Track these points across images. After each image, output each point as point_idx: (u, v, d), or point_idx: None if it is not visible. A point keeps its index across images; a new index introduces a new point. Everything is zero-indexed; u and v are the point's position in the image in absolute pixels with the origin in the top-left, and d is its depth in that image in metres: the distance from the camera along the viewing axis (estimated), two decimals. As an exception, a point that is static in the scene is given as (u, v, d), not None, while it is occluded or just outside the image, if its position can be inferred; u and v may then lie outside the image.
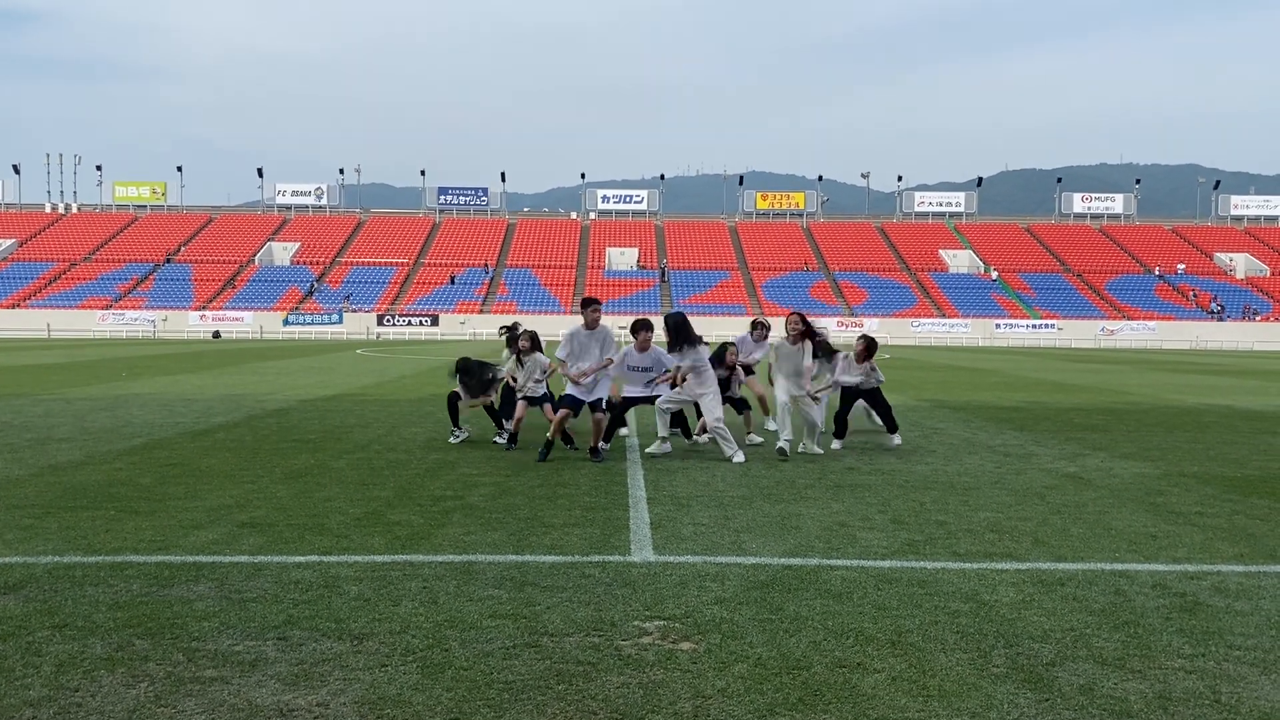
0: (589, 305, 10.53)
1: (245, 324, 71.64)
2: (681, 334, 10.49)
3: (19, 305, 71.93)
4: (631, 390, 10.87)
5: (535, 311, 72.50)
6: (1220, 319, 73.51)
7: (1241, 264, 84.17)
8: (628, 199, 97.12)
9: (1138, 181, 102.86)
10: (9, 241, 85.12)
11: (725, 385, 11.61)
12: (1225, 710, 3.94)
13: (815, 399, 10.87)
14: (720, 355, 11.65)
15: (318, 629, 4.75)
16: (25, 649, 4.44)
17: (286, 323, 71.77)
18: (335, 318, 72.27)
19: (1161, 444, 12.30)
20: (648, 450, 10.84)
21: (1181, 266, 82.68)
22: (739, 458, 10.24)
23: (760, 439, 11.88)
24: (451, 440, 11.49)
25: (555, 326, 69.86)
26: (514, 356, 11.73)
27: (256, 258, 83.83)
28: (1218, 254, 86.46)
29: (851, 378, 11.61)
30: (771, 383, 11.21)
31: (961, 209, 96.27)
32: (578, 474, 9.46)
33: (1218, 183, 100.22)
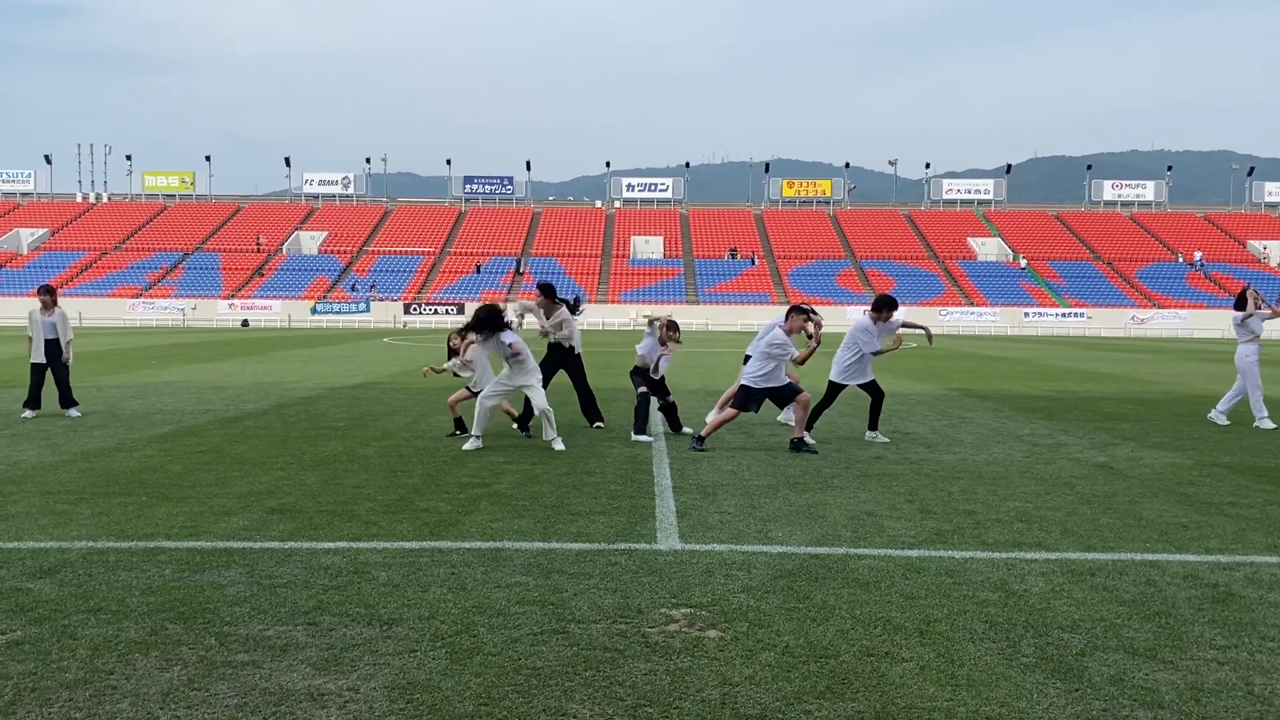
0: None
1: (274, 312, 72.16)
2: (489, 324, 10.15)
3: (51, 294, 72.72)
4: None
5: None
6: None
7: (1275, 251, 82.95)
8: (653, 187, 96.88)
9: (1169, 168, 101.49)
10: (41, 231, 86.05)
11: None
12: (1258, 702, 3.90)
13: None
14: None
15: (347, 614, 4.80)
16: (61, 632, 4.51)
17: (314, 311, 72.21)
18: (363, 306, 72.64)
19: (1193, 433, 12.18)
20: (464, 447, 10.13)
21: (1199, 254, 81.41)
22: (559, 445, 10.17)
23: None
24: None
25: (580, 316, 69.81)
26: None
27: (284, 246, 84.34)
28: (1251, 241, 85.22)
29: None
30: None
31: (990, 196, 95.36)
32: (603, 462, 9.48)
33: (1251, 169, 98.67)
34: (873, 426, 11.27)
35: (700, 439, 10.41)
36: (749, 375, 10.34)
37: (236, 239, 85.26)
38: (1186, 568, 5.85)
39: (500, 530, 6.57)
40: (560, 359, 12.06)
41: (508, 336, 10.27)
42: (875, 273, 79.46)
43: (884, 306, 11.29)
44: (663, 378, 11.71)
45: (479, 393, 11.04)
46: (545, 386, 11.05)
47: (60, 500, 7.41)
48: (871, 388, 11.20)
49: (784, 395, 10.37)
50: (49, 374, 13.04)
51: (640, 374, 11.57)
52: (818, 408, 11.27)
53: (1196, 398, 17.27)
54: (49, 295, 13.17)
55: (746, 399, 10.32)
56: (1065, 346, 43.43)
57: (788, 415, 11.79)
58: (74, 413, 12.79)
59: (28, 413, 12.69)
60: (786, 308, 11.49)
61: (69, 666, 4.11)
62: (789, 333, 10.54)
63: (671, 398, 11.83)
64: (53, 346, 13.09)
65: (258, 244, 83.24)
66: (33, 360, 13.00)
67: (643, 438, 11.06)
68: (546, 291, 11.98)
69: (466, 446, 10.17)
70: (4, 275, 75.64)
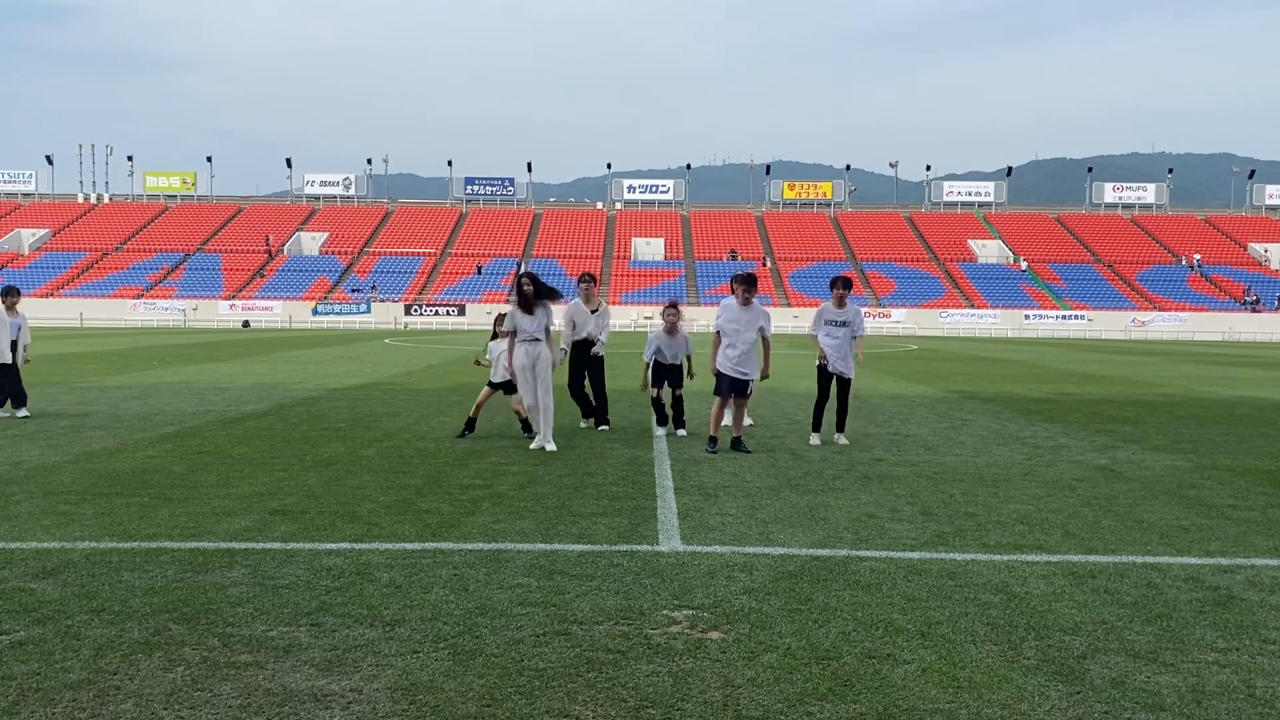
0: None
1: (275, 313, 72.16)
2: (542, 292, 10.93)
3: (52, 294, 72.69)
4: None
5: (561, 301, 72.47)
6: (1255, 310, 72.46)
7: (1276, 254, 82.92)
8: (654, 189, 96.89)
9: (1170, 171, 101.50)
10: (42, 231, 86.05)
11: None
12: (1259, 704, 3.91)
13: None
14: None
15: (350, 615, 4.80)
16: (64, 633, 4.52)
17: (316, 312, 72.21)
18: (363, 307, 72.66)
19: (1194, 436, 12.18)
20: (531, 447, 10.39)
21: (1198, 257, 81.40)
22: (550, 445, 10.24)
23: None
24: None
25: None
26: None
27: (285, 247, 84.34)
28: (1251, 244, 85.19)
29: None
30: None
31: (991, 199, 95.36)
32: (605, 464, 9.48)
33: (1253, 172, 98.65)
34: (840, 428, 11.22)
35: (713, 440, 10.46)
36: (726, 362, 10.37)
37: (238, 240, 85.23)
38: (1187, 570, 5.86)
39: (502, 531, 6.58)
40: (583, 358, 12.18)
41: (554, 315, 10.91)
42: (876, 274, 79.46)
43: (836, 285, 11.38)
44: (680, 368, 11.81)
45: (498, 385, 11.22)
46: (575, 384, 11.92)
47: (63, 501, 7.42)
48: (844, 381, 11.20)
49: (740, 388, 10.47)
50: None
51: (657, 370, 11.76)
52: (817, 404, 11.28)
53: (1197, 400, 17.28)
54: (16, 296, 13.27)
55: (728, 384, 10.47)
56: (1066, 349, 43.41)
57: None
58: (23, 412, 12.67)
59: (22, 411, 12.70)
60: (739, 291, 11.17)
61: (72, 667, 4.12)
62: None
63: (680, 391, 11.79)
64: (10, 348, 13.04)
65: (267, 243, 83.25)
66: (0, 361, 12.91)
67: (658, 430, 11.69)
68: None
69: (534, 446, 10.37)
70: (5, 276, 75.63)
